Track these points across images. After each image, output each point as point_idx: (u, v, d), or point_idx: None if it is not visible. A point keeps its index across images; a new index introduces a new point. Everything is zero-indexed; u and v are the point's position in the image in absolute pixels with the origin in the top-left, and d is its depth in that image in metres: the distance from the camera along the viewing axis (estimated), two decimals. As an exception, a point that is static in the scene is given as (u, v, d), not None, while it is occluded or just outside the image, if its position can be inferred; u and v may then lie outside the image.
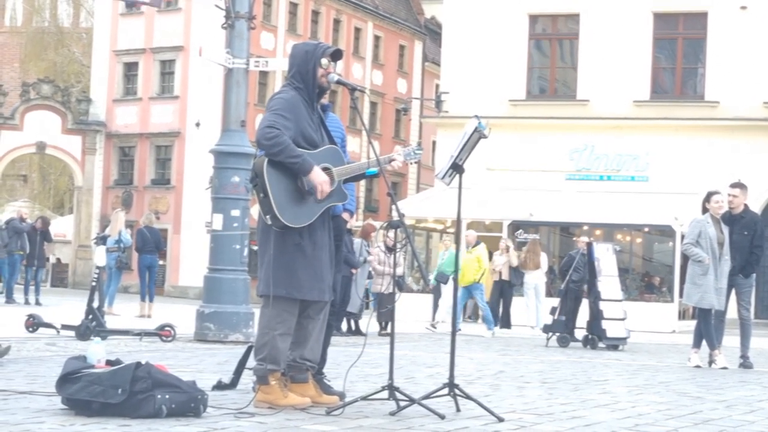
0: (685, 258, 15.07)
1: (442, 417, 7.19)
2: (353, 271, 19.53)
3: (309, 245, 7.51)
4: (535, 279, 25.45)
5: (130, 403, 6.58)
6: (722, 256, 14.27)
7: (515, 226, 30.13)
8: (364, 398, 7.59)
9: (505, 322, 25.11)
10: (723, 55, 33.74)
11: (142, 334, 15.38)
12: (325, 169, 7.50)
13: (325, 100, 8.03)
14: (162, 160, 49.23)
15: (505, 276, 25.55)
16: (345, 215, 8.25)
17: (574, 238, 25.22)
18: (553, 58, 36.66)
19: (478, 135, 7.90)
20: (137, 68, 50.28)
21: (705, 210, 14.65)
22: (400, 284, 25.94)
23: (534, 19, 36.34)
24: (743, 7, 33.61)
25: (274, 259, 7.45)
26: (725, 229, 14.43)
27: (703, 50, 34.38)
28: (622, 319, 19.08)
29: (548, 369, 13.06)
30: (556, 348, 18.61)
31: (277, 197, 7.33)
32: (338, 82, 7.81)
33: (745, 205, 15.09)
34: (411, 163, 8.23)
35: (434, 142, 42.45)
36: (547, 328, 19.74)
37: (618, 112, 34.43)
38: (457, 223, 8.72)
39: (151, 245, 24.98)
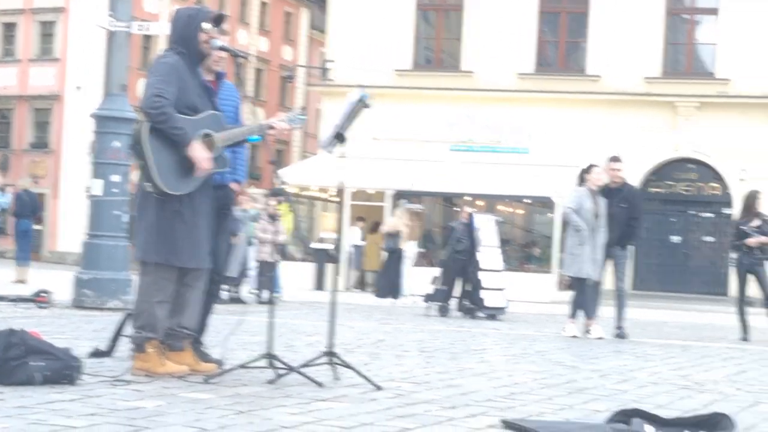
0: (564, 229, 15.27)
1: (320, 385, 7.21)
2: (233, 238, 19.40)
3: (188, 212, 7.46)
4: (412, 249, 25.55)
5: (3, 369, 6.47)
6: (598, 227, 14.50)
7: (399, 195, 30.23)
8: (243, 366, 7.57)
9: (396, 292, 24.82)
10: (605, 29, 34.17)
11: (17, 300, 15.12)
12: (206, 135, 7.46)
13: (219, 68, 7.97)
14: (41, 124, 48.39)
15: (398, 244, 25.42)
16: (233, 185, 8.22)
17: (457, 209, 25.40)
18: (438, 29, 36.77)
19: (361, 105, 7.91)
20: (15, 29, 49.26)
21: (582, 182, 14.86)
22: (282, 252, 25.87)
23: (421, -11, 36.43)
24: (624, -16, 34.12)
25: (153, 226, 7.40)
26: (602, 202, 14.65)
27: (586, 25, 34.78)
28: (501, 289, 19.30)
29: (428, 338, 13.16)
30: (436, 317, 18.75)
31: (158, 164, 7.27)
32: (221, 48, 7.75)
33: (623, 179, 15.33)
34: (295, 128, 8.21)
35: (319, 111, 42.33)
36: (428, 298, 19.86)
37: (502, 84, 34.69)
38: (340, 191, 8.71)
39: (29, 210, 24.56)
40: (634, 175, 32.03)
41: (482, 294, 19.03)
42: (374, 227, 31.52)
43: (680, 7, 35.35)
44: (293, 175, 33.41)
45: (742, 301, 16.23)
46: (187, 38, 7.62)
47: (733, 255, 16.55)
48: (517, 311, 21.19)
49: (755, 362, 11.78)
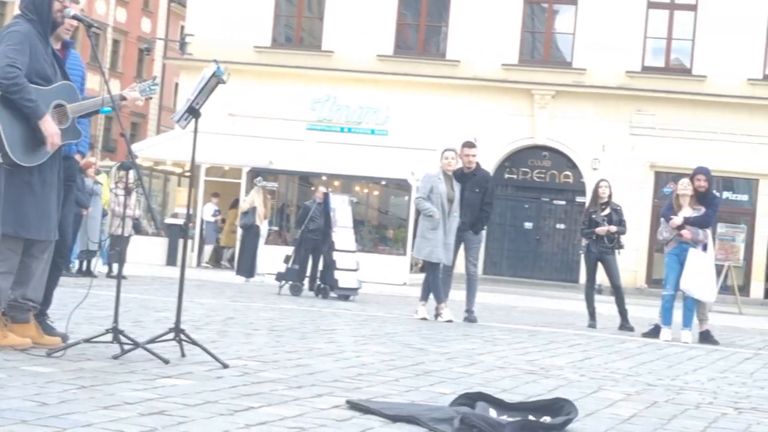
0: (418, 212, 15.35)
1: (166, 362, 7.13)
2: (84, 211, 19.07)
3: (39, 184, 7.32)
4: (265, 227, 25.45)
5: None
6: (452, 212, 14.60)
7: (255, 173, 30.05)
8: (87, 341, 7.44)
9: (251, 270, 24.54)
10: (465, 14, 34.42)
11: None
12: (58, 106, 7.33)
13: (67, 36, 7.81)
14: None
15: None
16: (77, 156, 8.09)
17: (312, 188, 25.36)
18: (300, 7, 36.58)
19: (216, 80, 7.84)
20: None
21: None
22: (137, 227, 25.53)
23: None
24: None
25: (1, 197, 7.23)
26: (456, 186, 14.76)
27: (447, 9, 34.99)
28: (355, 270, 19.35)
29: (278, 317, 13.12)
30: (288, 296, 18.72)
31: (8, 135, 7.12)
32: (74, 18, 7.60)
33: (478, 164, 15.46)
34: (148, 98, 8.10)
35: (177, 85, 41.83)
36: (280, 277, 19.81)
37: (361, 66, 34.71)
38: (192, 167, 8.60)
39: None
40: (489, 161, 32.45)
41: (336, 274, 19.05)
42: (235, 204, 31.35)
43: (540, -3, 35.83)
44: (148, 149, 33.00)
45: (591, 289, 16.52)
46: (39, 5, 7.46)
47: (583, 243, 16.83)
48: (370, 292, 21.28)
49: (600, 349, 12.00)
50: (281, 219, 33.62)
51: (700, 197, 14.54)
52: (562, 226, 34.50)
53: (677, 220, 14.33)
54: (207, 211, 31.52)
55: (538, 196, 35.05)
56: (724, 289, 28.38)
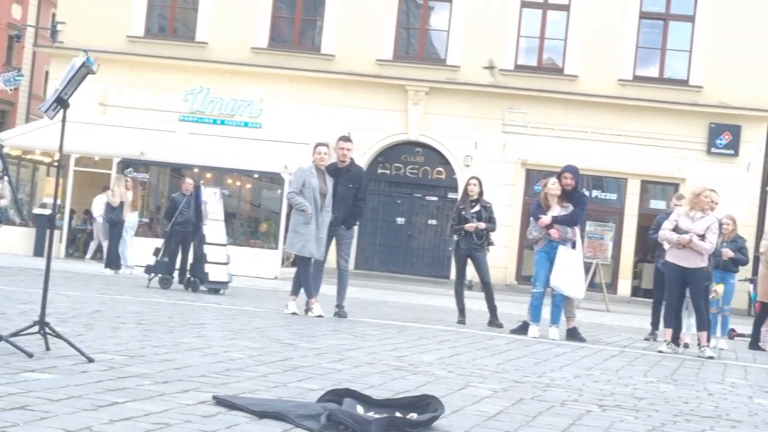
0: (290, 206, 15.29)
1: (30, 355, 7.00)
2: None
3: None
4: (134, 219, 25.15)
5: None
6: (324, 207, 14.58)
7: (125, 164, 29.62)
8: (-53, 334, 7.27)
9: (119, 263, 24.20)
10: (340, 9, 34.39)
11: None
12: None
13: None
14: None
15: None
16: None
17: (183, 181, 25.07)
18: (174, -2, 36.21)
19: (85, 70, 7.71)
20: None
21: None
22: (4, 216, 25.02)
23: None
24: (364, -36, 34.44)
25: None
26: (329, 181, 14.74)
27: (323, 3, 34.91)
28: (226, 264, 19.22)
29: (146, 310, 12.96)
30: (157, 289, 18.52)
31: None
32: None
33: (352, 159, 15.46)
34: (10, 89, 7.93)
35: (47, 73, 41.05)
36: (149, 269, 19.58)
37: (235, 58, 34.46)
38: (60, 157, 8.45)
39: None
40: (363, 156, 32.54)
41: (206, 267, 18.89)
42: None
43: (415, -7, 35.96)
44: (16, 138, 32.33)
45: (460, 285, 16.63)
46: None
47: (454, 239, 16.93)
48: (241, 286, 21.17)
49: (469, 345, 12.10)
50: (151, 211, 33.24)
51: (568, 195, 14.74)
52: (434, 222, 34.70)
53: (546, 219, 14.51)
54: (97, 206, 29.89)
55: (410, 191, 35.19)
56: (592, 286, 28.88)
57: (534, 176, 33.61)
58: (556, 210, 14.61)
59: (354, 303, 17.62)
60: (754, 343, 17.63)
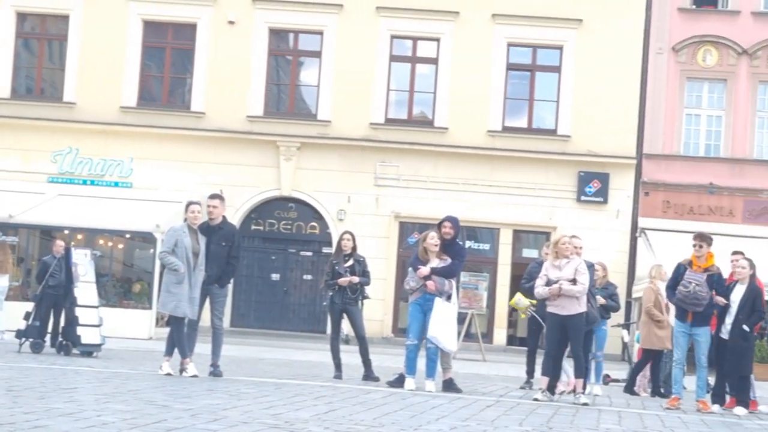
0: (163, 266, 15.13)
1: None
2: None
3: None
4: (4, 283, 24.62)
5: None
6: (197, 265, 14.47)
7: (-7, 227, 29.05)
8: None
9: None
10: (209, 67, 34.32)
11: None
12: None
13: None
14: None
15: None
16: None
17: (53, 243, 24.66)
18: (41, 58, 35.78)
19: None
20: None
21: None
22: None
23: (22, 17, 35.35)
24: (231, 22, 34.39)
25: None
26: (202, 240, 14.64)
27: (191, 61, 34.82)
28: (98, 326, 18.93)
29: (17, 376, 12.69)
30: (29, 354, 18.16)
31: None
32: None
33: (224, 217, 15.39)
34: None
35: None
36: (20, 334, 19.18)
37: (104, 117, 34.12)
38: None
39: None
40: (236, 213, 32.42)
41: (78, 330, 18.57)
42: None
43: (284, 49, 36.01)
44: None
45: (336, 340, 16.62)
46: None
47: (328, 294, 16.91)
48: (114, 348, 20.84)
49: (345, 400, 12.06)
50: (22, 274, 32.62)
51: (447, 246, 14.83)
52: (309, 276, 34.59)
53: (424, 270, 14.59)
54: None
55: (285, 247, 35.08)
56: (469, 336, 29.08)
57: (408, 229, 33.82)
58: (435, 262, 14.70)
59: (230, 361, 17.47)
60: (630, 387, 17.89)
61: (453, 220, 15.16)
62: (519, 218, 33.79)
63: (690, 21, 34.01)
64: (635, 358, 25.42)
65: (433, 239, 14.80)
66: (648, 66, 33.99)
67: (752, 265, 15.45)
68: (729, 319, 15.08)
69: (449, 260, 14.74)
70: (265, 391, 12.67)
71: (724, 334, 15.11)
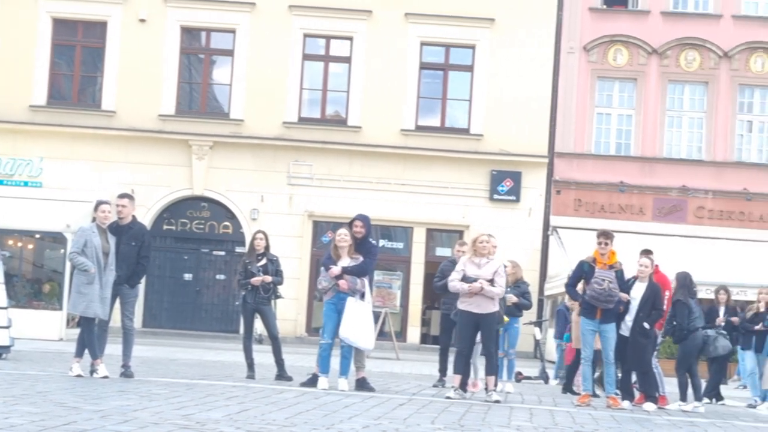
0: (73, 266, 14.94)
1: None
2: None
3: None
4: None
5: None
6: (107, 265, 14.31)
7: None
8: None
9: None
10: (121, 65, 34.01)
11: None
12: None
13: None
14: None
15: None
16: None
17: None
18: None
19: None
20: None
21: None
22: None
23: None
24: (142, 20, 34.10)
25: None
26: (112, 239, 14.49)
27: (102, 59, 34.46)
28: (7, 327, 18.64)
29: None
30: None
31: None
32: None
33: (133, 216, 15.24)
34: None
35: None
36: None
37: (13, 116, 33.65)
38: None
39: None
40: (147, 213, 32.17)
41: (-14, 332, 18.28)
42: None
43: (196, 47, 35.79)
44: None
45: (249, 340, 16.55)
46: None
47: (241, 293, 16.84)
48: (24, 349, 20.51)
49: (258, 400, 12.00)
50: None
51: (359, 245, 14.83)
52: (222, 276, 34.42)
53: (336, 269, 14.57)
54: None
55: (197, 247, 34.87)
56: (382, 335, 29.07)
57: (321, 227, 33.81)
58: (346, 261, 14.68)
59: (141, 362, 17.33)
60: (568, 387, 17.98)
61: (364, 219, 15.17)
62: (432, 217, 33.91)
63: (601, 20, 34.38)
64: (549, 357, 25.72)
65: (341, 236, 14.79)
66: (560, 65, 34.31)
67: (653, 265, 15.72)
68: (629, 317, 15.29)
69: (361, 259, 14.74)
70: (177, 391, 12.56)
71: (625, 331, 15.31)
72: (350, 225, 15.08)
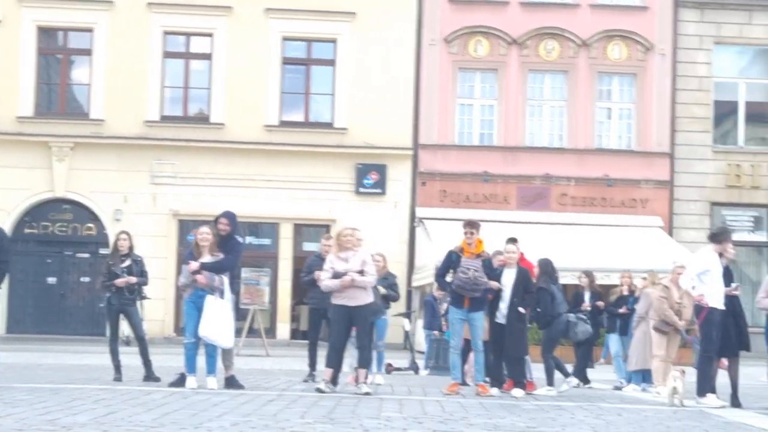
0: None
1: None
2: None
3: None
4: None
5: None
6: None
7: None
8: None
9: None
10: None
11: None
12: None
13: None
14: None
15: None
16: None
17: None
18: None
19: None
20: None
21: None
22: None
23: None
24: (-1, 21, 33.51)
25: None
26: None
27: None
28: None
29: None
30: None
31: None
32: None
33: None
34: None
35: None
36: None
37: None
38: None
39: None
40: (8, 217, 31.58)
41: None
42: None
43: (54, 47, 35.15)
44: None
45: (114, 342, 16.33)
46: None
47: (105, 295, 16.60)
48: None
49: (125, 402, 11.83)
50: None
51: (224, 242, 14.71)
52: (86, 279, 33.89)
53: (194, 265, 14.43)
54: None
55: (60, 249, 34.27)
56: (252, 332, 28.92)
57: (187, 226, 33.41)
58: (208, 258, 14.56)
59: (5, 368, 17.00)
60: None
61: (229, 216, 15.07)
62: (299, 212, 33.86)
63: (461, 12, 34.64)
64: (419, 347, 25.86)
65: (202, 234, 14.67)
66: (421, 58, 34.52)
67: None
68: (503, 304, 15.47)
69: (222, 256, 14.62)
70: (42, 396, 12.30)
71: (500, 319, 15.49)
72: (215, 222, 14.97)
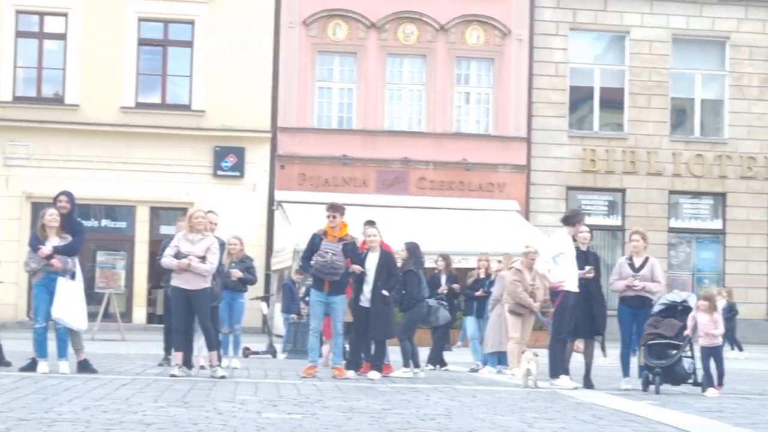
0: None
1: None
2: None
3: None
4: None
5: None
6: None
7: None
8: None
9: None
10: None
11: None
12: None
13: None
14: None
15: None
16: None
17: None
18: None
19: None
20: None
21: None
22: None
23: None
24: None
25: None
26: None
27: None
28: None
29: None
30: None
31: None
32: None
33: None
34: None
35: None
36: None
37: None
38: None
39: None
40: None
41: None
42: None
43: None
44: None
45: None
46: None
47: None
48: None
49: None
50: None
51: (65, 223, 14.46)
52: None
53: (46, 249, 14.16)
54: None
55: None
56: (107, 316, 28.53)
57: (40, 209, 32.64)
58: (55, 240, 14.29)
59: None
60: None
61: (68, 195, 14.95)
62: (156, 195, 33.45)
63: (319, -5, 34.56)
64: (277, 331, 25.80)
65: (51, 215, 14.41)
66: (280, 40, 34.33)
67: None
68: (367, 287, 15.48)
69: (69, 238, 14.38)
70: None
71: (365, 303, 15.50)
72: (55, 201, 14.75)
